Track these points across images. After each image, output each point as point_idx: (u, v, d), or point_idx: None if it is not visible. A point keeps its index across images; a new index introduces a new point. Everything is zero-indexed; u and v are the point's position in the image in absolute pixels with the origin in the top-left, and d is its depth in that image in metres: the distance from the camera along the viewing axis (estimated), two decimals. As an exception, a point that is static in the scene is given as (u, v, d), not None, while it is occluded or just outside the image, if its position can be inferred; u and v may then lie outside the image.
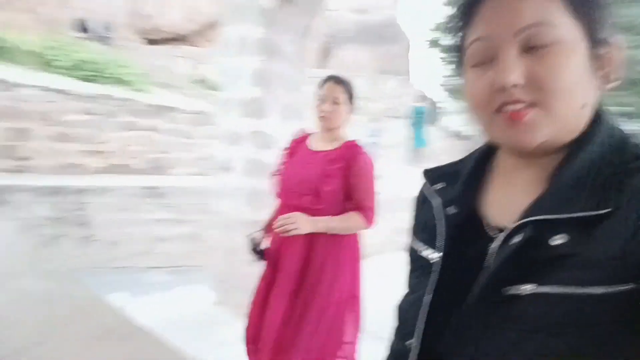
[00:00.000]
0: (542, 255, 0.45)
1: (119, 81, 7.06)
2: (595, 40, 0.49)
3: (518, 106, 0.48)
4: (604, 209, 0.43)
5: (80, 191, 4.65)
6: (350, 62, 12.81)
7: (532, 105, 0.48)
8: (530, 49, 0.48)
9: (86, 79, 6.67)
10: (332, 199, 1.63)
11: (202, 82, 9.60)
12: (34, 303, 2.38)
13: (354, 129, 1.91)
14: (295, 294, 1.64)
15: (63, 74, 6.60)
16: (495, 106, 0.49)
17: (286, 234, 1.57)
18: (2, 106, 5.05)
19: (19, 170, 5.03)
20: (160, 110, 6.40)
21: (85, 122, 5.60)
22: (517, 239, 0.47)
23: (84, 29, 9.60)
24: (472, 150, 0.65)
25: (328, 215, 1.62)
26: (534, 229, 0.46)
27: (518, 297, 0.46)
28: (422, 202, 0.64)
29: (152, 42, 11.01)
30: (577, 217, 0.44)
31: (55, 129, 5.40)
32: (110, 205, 4.72)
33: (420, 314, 0.55)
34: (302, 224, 1.57)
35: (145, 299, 3.46)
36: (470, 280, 0.51)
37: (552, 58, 0.47)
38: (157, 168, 6.19)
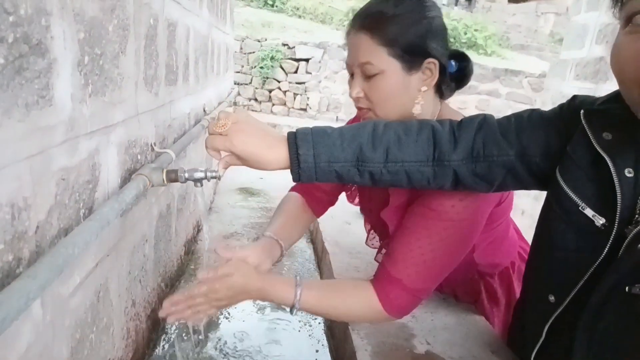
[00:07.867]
0: None
1: (473, 45, 7.39)
2: None
3: None
4: None
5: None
6: None
7: None
8: None
9: (443, 45, 7.47)
10: None
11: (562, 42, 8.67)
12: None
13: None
14: None
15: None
16: None
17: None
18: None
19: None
20: (503, 74, 6.34)
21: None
22: None
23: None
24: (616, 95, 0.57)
25: None
26: None
27: None
28: (581, 137, 0.59)
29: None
30: None
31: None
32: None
33: (584, 277, 0.56)
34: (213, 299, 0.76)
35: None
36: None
37: None
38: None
